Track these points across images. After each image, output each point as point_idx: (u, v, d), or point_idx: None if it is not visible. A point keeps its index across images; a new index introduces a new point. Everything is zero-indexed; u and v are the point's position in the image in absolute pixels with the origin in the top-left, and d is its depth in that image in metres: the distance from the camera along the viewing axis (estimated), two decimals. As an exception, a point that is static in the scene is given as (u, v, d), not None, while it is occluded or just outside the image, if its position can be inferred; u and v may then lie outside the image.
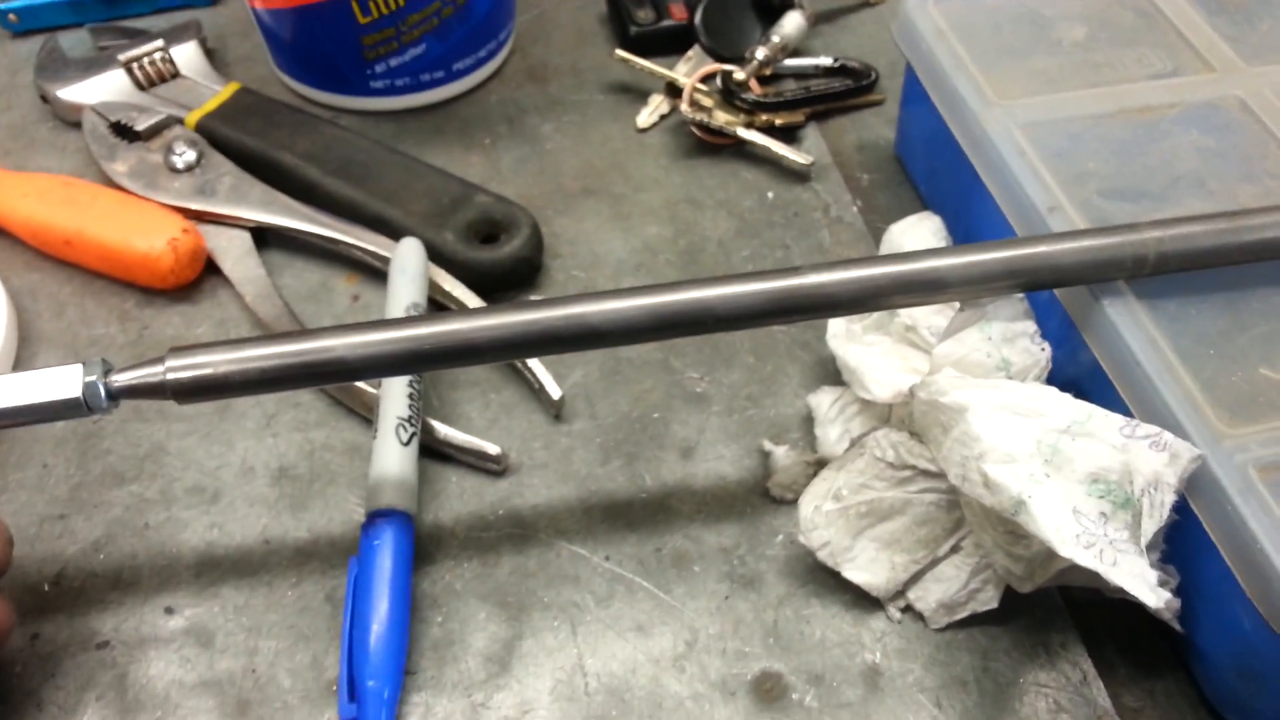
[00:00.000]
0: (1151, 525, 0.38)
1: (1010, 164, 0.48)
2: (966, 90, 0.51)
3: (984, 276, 0.42)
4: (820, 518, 0.43)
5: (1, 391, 0.37)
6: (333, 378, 0.39)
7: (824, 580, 0.44)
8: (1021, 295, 0.44)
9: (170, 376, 0.37)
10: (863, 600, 0.44)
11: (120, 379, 0.38)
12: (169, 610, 0.44)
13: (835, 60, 0.66)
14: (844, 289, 0.41)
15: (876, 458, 0.43)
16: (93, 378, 0.37)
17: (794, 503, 0.47)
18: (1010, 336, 0.43)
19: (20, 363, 0.52)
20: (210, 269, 0.55)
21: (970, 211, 0.53)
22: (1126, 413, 0.40)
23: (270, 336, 0.39)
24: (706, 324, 0.41)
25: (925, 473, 0.42)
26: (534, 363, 0.50)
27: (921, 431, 0.42)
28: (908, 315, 0.47)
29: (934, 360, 0.43)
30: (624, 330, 0.40)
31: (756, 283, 0.40)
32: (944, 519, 0.43)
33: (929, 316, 0.46)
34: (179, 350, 0.37)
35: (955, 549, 0.43)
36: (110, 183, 0.57)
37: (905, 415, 0.45)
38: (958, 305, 0.45)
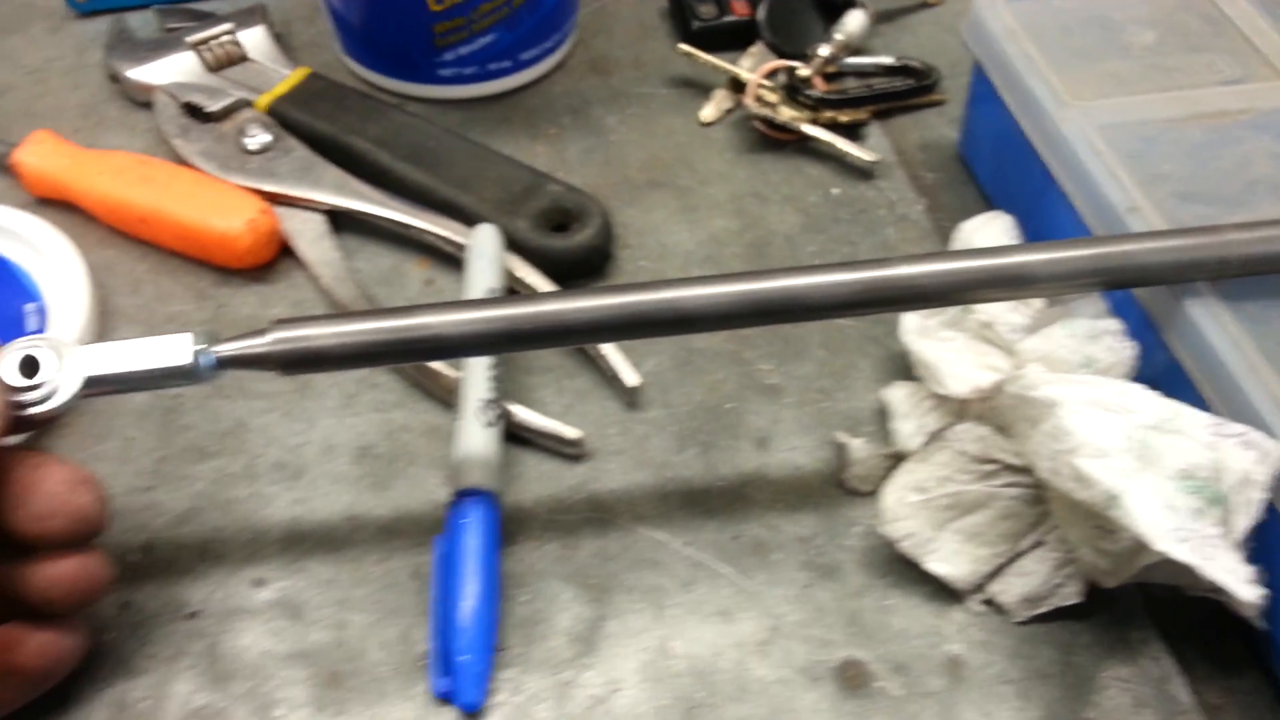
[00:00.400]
0: (1243, 522, 0.38)
1: (1088, 165, 0.49)
2: (1040, 91, 0.51)
3: (1070, 274, 0.43)
4: (904, 509, 0.44)
5: (113, 358, 0.38)
6: (430, 354, 0.40)
7: (903, 572, 0.45)
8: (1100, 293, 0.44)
9: (277, 348, 0.38)
10: (942, 592, 0.44)
11: (226, 349, 0.38)
12: (257, 582, 0.44)
13: (897, 59, 0.66)
14: (933, 281, 0.42)
15: (959, 451, 0.44)
16: (201, 346, 0.38)
17: (870, 495, 0.48)
18: (1095, 334, 0.44)
19: (99, 338, 0.52)
20: (284, 250, 0.56)
21: (1041, 212, 0.53)
22: (1206, 411, 0.41)
23: (371, 312, 0.39)
24: (796, 312, 0.41)
25: (1009, 467, 0.43)
26: (609, 350, 0.50)
27: (1007, 426, 0.43)
28: (984, 311, 0.47)
29: (1020, 355, 0.43)
30: (716, 315, 0.41)
31: (848, 272, 0.41)
32: (1027, 513, 0.43)
33: (1006, 313, 0.47)
34: (284, 322, 0.38)
35: (1038, 543, 0.44)
36: (183, 163, 0.57)
37: (984, 410, 0.46)
38: (1037, 302, 0.46)
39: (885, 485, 0.44)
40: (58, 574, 0.38)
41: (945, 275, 0.42)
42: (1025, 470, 0.43)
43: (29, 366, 0.37)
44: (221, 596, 0.44)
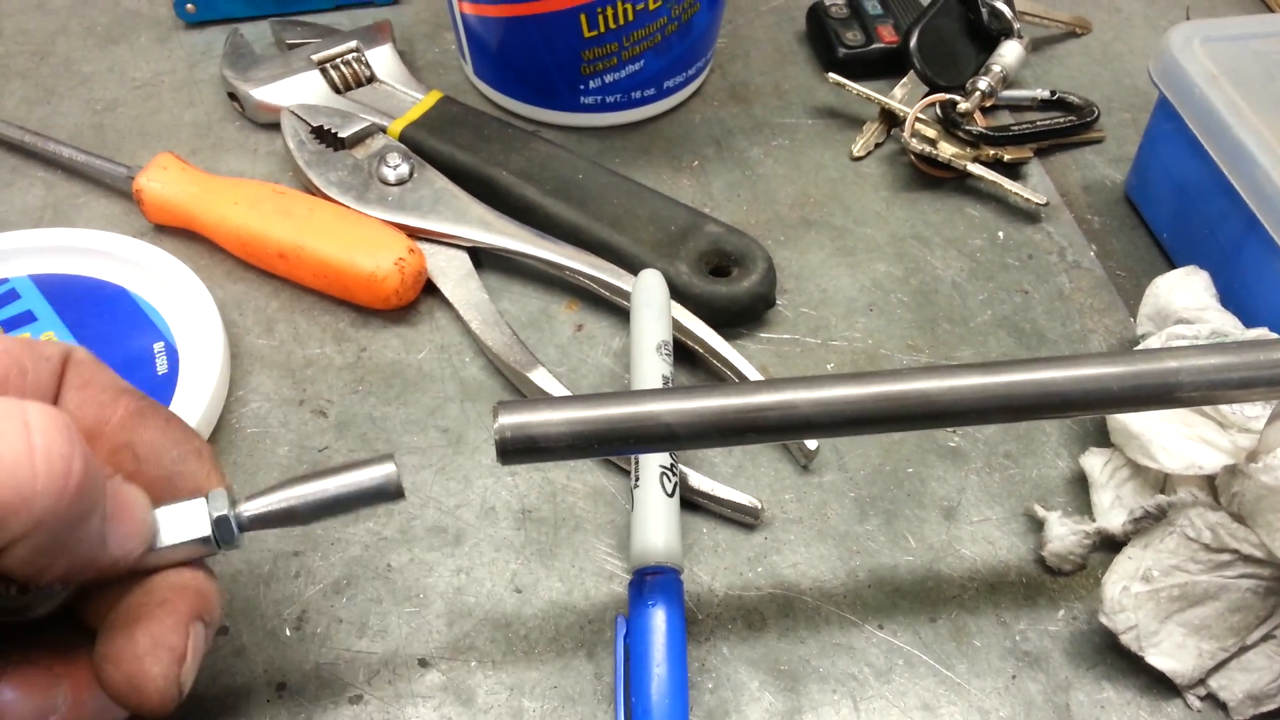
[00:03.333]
0: None
1: (1309, 224, 0.45)
2: (1252, 142, 0.48)
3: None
4: (1128, 599, 0.40)
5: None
6: (658, 446, 0.36)
7: (1114, 662, 0.42)
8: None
9: (506, 435, 0.34)
10: (1156, 685, 0.41)
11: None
12: (423, 663, 0.41)
13: (1052, 93, 0.63)
14: (1222, 379, 0.37)
15: (1190, 538, 0.40)
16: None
17: (1071, 574, 0.44)
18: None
19: (233, 382, 0.49)
20: (424, 289, 0.52)
21: (1237, 265, 0.50)
22: None
23: (594, 398, 0.35)
24: (1049, 409, 0.37)
25: (1247, 558, 0.39)
26: (781, 408, 0.47)
27: (1251, 514, 0.39)
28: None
29: (1265, 440, 0.40)
30: (968, 411, 0.36)
31: (1116, 366, 0.36)
32: (1259, 606, 0.40)
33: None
34: (507, 405, 0.34)
35: (1267, 637, 0.40)
36: (316, 192, 0.54)
37: (1199, 486, 0.42)
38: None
39: (1107, 574, 0.41)
40: None
41: (1230, 369, 0.37)
42: (1265, 562, 0.39)
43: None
44: (386, 678, 0.41)
